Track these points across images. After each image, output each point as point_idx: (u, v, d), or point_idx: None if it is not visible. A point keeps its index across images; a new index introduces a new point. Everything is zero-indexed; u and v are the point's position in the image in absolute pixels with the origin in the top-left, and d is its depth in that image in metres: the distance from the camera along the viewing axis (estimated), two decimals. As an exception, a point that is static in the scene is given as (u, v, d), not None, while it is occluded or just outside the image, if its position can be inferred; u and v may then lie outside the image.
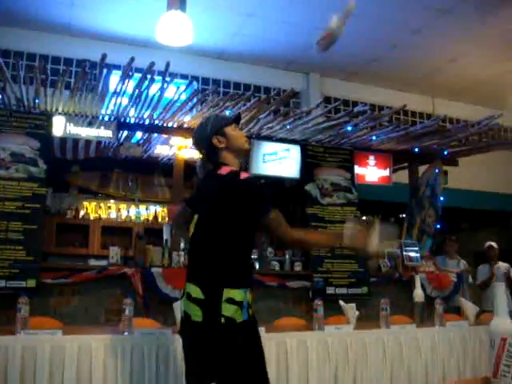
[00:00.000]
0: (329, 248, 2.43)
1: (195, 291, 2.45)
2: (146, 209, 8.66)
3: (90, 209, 8.41)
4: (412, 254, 6.53)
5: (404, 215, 7.47)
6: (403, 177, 7.53)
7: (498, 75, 8.80)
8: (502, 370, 1.75)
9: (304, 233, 2.79)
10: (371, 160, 6.97)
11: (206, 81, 8.23)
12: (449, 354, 4.21)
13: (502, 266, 7.40)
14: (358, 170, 6.81)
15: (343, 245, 2.62)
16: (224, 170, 2.61)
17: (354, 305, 4.23)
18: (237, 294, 2.45)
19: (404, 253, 6.48)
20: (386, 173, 7.08)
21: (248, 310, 2.52)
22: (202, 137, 2.75)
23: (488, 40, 7.75)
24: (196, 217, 2.65)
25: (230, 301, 2.43)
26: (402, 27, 7.42)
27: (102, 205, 8.47)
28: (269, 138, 6.54)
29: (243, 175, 2.58)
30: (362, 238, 2.57)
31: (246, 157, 2.73)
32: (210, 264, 2.50)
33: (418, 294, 4.70)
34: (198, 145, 2.82)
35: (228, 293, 2.43)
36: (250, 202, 2.52)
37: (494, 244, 7.54)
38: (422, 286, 5.65)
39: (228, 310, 2.41)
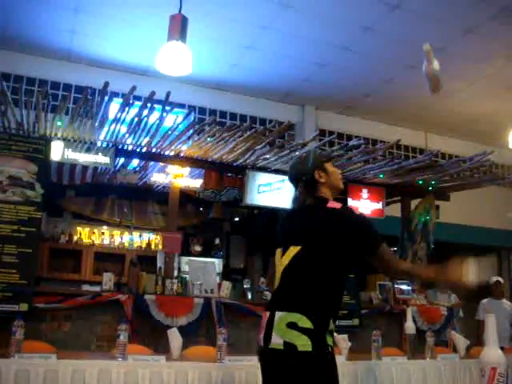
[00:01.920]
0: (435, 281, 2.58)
1: (302, 321, 2.43)
2: (140, 236, 8.70)
3: (84, 234, 8.44)
4: (403, 287, 6.57)
5: (396, 248, 7.52)
6: (395, 210, 7.60)
7: (489, 113, 8.95)
8: (492, 399, 1.79)
9: (411, 266, 2.99)
10: (364, 193, 7.05)
11: (202, 111, 8.32)
12: (439, 385, 4.24)
13: (507, 303, 7.45)
14: (351, 202, 6.88)
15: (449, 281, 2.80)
16: (335, 205, 2.67)
17: (346, 336, 4.27)
18: (332, 326, 2.53)
19: (395, 285, 6.53)
20: (379, 206, 7.16)
21: None
22: (304, 170, 2.80)
23: (480, 78, 7.91)
24: (293, 248, 2.62)
25: (330, 332, 2.50)
26: (397, 63, 7.56)
27: (95, 230, 8.51)
28: (264, 169, 6.62)
29: (357, 211, 2.68)
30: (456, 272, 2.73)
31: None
32: (317, 295, 2.51)
33: (410, 327, 4.72)
34: (296, 177, 2.84)
35: (331, 324, 2.50)
36: (364, 236, 2.61)
37: (500, 279, 7.57)
38: (413, 319, 5.68)
39: (330, 340, 2.48)
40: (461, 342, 4.85)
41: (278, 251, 2.73)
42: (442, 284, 2.78)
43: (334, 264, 2.55)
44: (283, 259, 2.64)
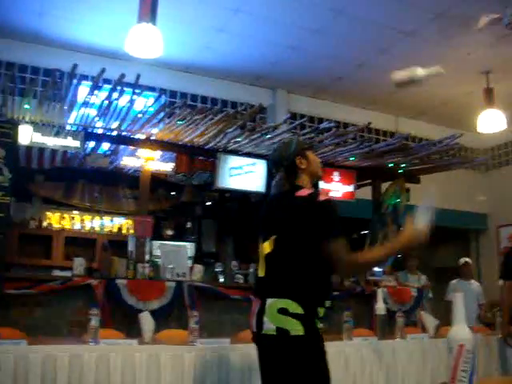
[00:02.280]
0: (389, 257, 2.57)
1: (293, 307, 2.50)
2: (111, 220, 8.62)
3: (54, 219, 8.34)
4: (374, 269, 6.65)
5: (367, 231, 7.59)
6: (366, 193, 7.66)
7: (458, 97, 9.03)
8: (458, 375, 1.83)
9: (362, 258, 2.72)
10: (336, 176, 7.10)
11: (173, 94, 8.25)
12: (409, 364, 4.31)
13: (475, 284, 7.61)
14: (322, 185, 6.92)
15: (401, 247, 2.76)
16: (303, 192, 2.71)
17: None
18: (322, 312, 2.59)
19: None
20: (350, 189, 7.22)
21: None
22: (286, 155, 2.85)
23: (450, 63, 7.94)
24: (272, 237, 2.69)
25: (320, 318, 2.56)
26: (369, 47, 7.58)
27: (65, 215, 8.41)
28: (235, 152, 6.61)
29: (322, 197, 2.65)
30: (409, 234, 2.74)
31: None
32: (305, 281, 2.58)
33: (380, 308, 4.78)
34: (278, 163, 2.88)
35: (321, 311, 2.57)
36: (320, 222, 2.60)
37: (468, 260, 7.72)
38: (384, 300, 5.76)
39: (318, 323, 2.55)
40: (430, 321, 4.93)
41: (260, 238, 2.80)
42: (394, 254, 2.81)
43: (310, 250, 2.60)
44: (264, 247, 2.73)
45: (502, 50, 7.52)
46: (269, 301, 2.57)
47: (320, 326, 2.56)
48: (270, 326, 2.54)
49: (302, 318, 2.49)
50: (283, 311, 2.51)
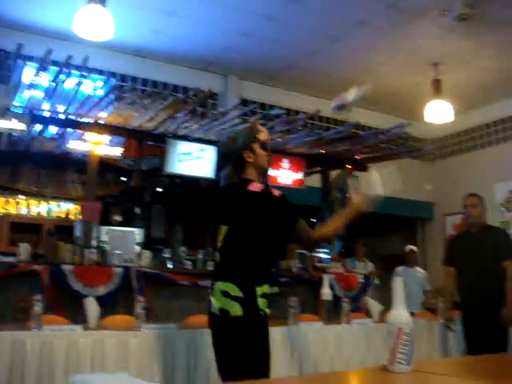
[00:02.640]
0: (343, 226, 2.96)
1: (233, 289, 2.73)
2: (58, 205, 8.47)
3: (-1, 204, 8.14)
4: (322, 256, 6.73)
5: (315, 219, 7.66)
6: (316, 181, 7.73)
7: (408, 87, 9.17)
8: (397, 357, 1.87)
9: (321, 231, 3.06)
10: (285, 163, 7.13)
11: (123, 78, 8.12)
12: (353, 348, 4.41)
13: (420, 271, 7.80)
14: (271, 172, 6.94)
15: (352, 215, 3.05)
16: (255, 188, 2.87)
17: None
18: (266, 289, 2.82)
19: (314, 254, 6.67)
20: (299, 176, 7.26)
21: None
22: (233, 149, 2.98)
23: (400, 53, 8.08)
24: (223, 227, 2.90)
25: (263, 296, 2.79)
26: (321, 35, 7.61)
27: (11, 200, 8.21)
28: (185, 138, 6.57)
29: (276, 193, 2.88)
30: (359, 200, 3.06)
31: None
32: (244, 267, 2.81)
33: (326, 293, 4.86)
34: (226, 156, 3.04)
35: (261, 290, 2.79)
36: (283, 215, 2.86)
37: (414, 248, 7.89)
38: (331, 286, 5.85)
39: (262, 304, 2.79)
40: (375, 307, 5.03)
41: (217, 228, 2.97)
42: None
43: (255, 241, 2.84)
44: (219, 236, 2.92)
45: (450, 42, 7.67)
46: (216, 283, 2.81)
47: (263, 305, 2.79)
48: (215, 306, 2.77)
49: (242, 301, 2.71)
50: (225, 293, 2.75)
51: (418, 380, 1.86)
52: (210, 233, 7.69)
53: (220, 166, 3.13)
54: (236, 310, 2.71)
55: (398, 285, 2.02)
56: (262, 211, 2.83)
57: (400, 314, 1.94)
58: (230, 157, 2.98)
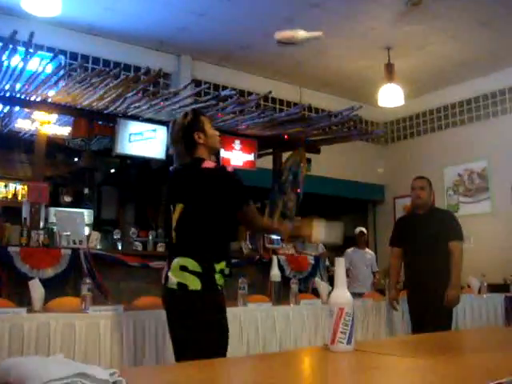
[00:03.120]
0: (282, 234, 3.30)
1: (192, 265, 2.80)
2: (5, 186, 8.28)
3: None
4: (273, 237, 6.74)
5: (267, 200, 7.68)
6: (267, 163, 7.73)
7: (361, 70, 9.24)
8: (338, 337, 1.89)
9: (270, 222, 3.42)
10: (237, 144, 7.11)
11: (74, 56, 7.94)
12: (301, 329, 4.44)
13: (369, 252, 7.94)
14: (223, 153, 6.92)
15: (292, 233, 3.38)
16: (209, 164, 2.93)
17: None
18: (224, 266, 2.89)
19: (265, 235, 6.69)
20: (250, 157, 7.26)
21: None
22: (183, 131, 3.00)
23: (354, 36, 8.12)
24: (178, 206, 2.94)
25: (221, 272, 2.86)
26: (275, 16, 7.57)
27: (-44, 180, 8.01)
28: (135, 118, 6.47)
29: (229, 169, 2.98)
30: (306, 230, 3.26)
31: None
32: (203, 243, 2.89)
33: (275, 275, 4.88)
34: (176, 137, 3.04)
35: (219, 266, 2.86)
36: (233, 193, 2.94)
37: (364, 230, 8.00)
38: (281, 268, 5.89)
39: (220, 280, 2.86)
40: (324, 288, 5.07)
41: (171, 208, 3.00)
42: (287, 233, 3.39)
43: (213, 217, 2.91)
44: (174, 215, 2.95)
45: (403, 27, 7.75)
46: (174, 260, 2.86)
47: (221, 281, 2.87)
48: (172, 281, 2.83)
49: (200, 275, 2.79)
50: (184, 268, 2.81)
51: (357, 359, 1.88)
52: (161, 214, 7.64)
53: (168, 147, 3.20)
54: (195, 284, 2.78)
55: (339, 265, 2.04)
56: (216, 186, 2.90)
57: (341, 294, 1.96)
58: (182, 138, 3.00)
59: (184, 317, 2.82)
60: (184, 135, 3.00)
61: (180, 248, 2.91)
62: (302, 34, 3.61)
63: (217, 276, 2.84)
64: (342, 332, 1.89)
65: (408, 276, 5.04)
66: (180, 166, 3.05)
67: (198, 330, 2.77)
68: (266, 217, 3.19)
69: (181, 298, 2.83)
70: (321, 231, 3.21)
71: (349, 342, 1.89)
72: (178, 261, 2.84)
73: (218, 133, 3.14)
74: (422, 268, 4.73)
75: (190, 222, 2.92)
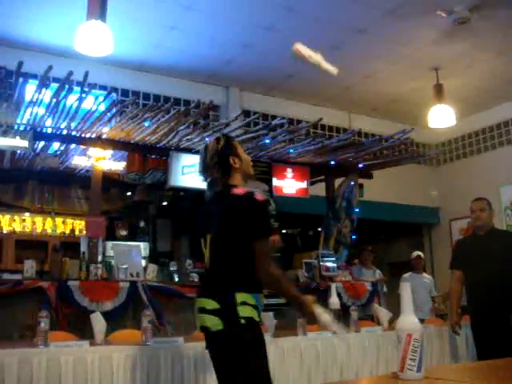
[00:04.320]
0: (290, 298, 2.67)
1: (209, 303, 2.61)
2: (63, 222, 8.48)
3: (4, 222, 8.14)
4: (329, 264, 6.69)
5: (321, 228, 7.64)
6: (320, 189, 7.71)
7: (409, 93, 9.17)
8: (407, 364, 1.84)
9: (282, 274, 2.78)
10: (289, 172, 7.12)
11: (125, 92, 8.15)
12: (363, 356, 4.36)
13: (427, 277, 7.76)
14: (275, 182, 6.93)
15: (299, 306, 2.82)
16: (239, 191, 2.73)
17: (271, 313, 4.31)
18: (249, 298, 2.59)
19: (321, 263, 6.64)
20: (303, 185, 7.25)
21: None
22: (218, 156, 2.81)
23: (400, 59, 8.08)
24: (208, 236, 2.77)
25: (244, 303, 2.57)
26: (320, 44, 7.44)
27: (16, 218, 8.23)
28: (188, 150, 6.56)
29: (258, 197, 2.69)
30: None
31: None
32: (222, 276, 2.68)
33: (334, 302, 4.82)
34: (210, 163, 2.83)
35: (241, 297, 2.57)
36: (251, 223, 2.64)
37: (421, 254, 7.84)
38: (339, 295, 5.81)
39: (244, 312, 2.56)
40: (384, 314, 4.99)
41: (202, 242, 2.83)
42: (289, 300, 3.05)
43: (243, 244, 2.64)
44: (206, 249, 2.79)
45: (450, 47, 7.67)
46: (197, 301, 2.73)
47: (247, 313, 2.57)
48: (198, 326, 2.71)
49: (219, 313, 2.57)
50: (202, 310, 2.65)
51: (429, 387, 1.83)
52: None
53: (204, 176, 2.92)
54: (215, 323, 2.59)
55: (405, 290, 2.00)
56: (238, 214, 2.69)
57: (408, 319, 1.91)
58: (216, 163, 2.81)
59: (217, 361, 2.68)
60: (220, 160, 2.82)
61: (202, 288, 2.81)
62: (319, 59, 3.54)
63: (240, 308, 2.56)
64: (411, 359, 1.84)
65: (470, 300, 4.90)
66: (212, 193, 2.89)
67: (232, 373, 2.58)
68: (278, 268, 2.68)
69: (207, 342, 2.71)
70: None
71: (419, 370, 1.84)
72: (196, 303, 2.73)
73: (249, 158, 3.02)
74: (485, 290, 4.60)
75: (218, 252, 2.74)
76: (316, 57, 3.50)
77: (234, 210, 2.71)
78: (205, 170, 2.88)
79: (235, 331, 2.56)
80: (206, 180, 2.91)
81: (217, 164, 2.81)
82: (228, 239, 2.69)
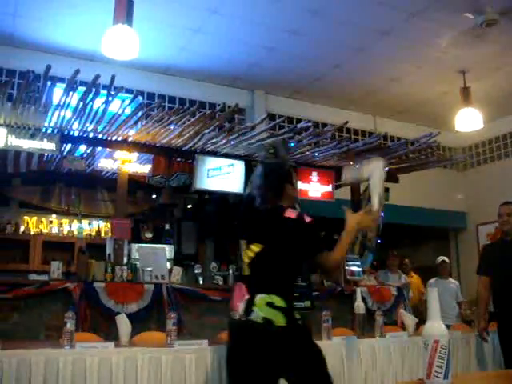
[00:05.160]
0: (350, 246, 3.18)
1: (278, 301, 2.94)
2: (89, 224, 8.57)
3: (31, 223, 8.26)
4: (354, 269, 6.65)
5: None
6: (345, 193, 7.66)
7: (435, 96, 9.09)
8: (434, 370, 1.82)
9: (335, 252, 3.10)
10: (314, 176, 7.10)
11: (151, 96, 8.20)
12: (388, 362, 4.33)
13: (453, 282, 7.66)
14: (301, 185, 6.91)
15: (352, 234, 3.23)
16: (291, 214, 3.09)
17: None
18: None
19: (346, 267, 6.59)
20: (328, 188, 7.22)
21: None
22: (278, 180, 3.21)
23: (427, 62, 8.01)
24: (256, 245, 3.10)
25: (295, 309, 3.06)
26: (345, 47, 7.60)
27: (43, 219, 8.35)
28: (213, 154, 6.58)
29: (308, 220, 3.06)
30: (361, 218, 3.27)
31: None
32: (285, 282, 3.09)
33: (359, 307, 4.79)
34: (270, 185, 3.20)
35: (294, 303, 3.11)
36: (309, 243, 3.07)
37: (446, 259, 7.76)
38: (364, 300, 5.76)
39: (297, 315, 3.03)
40: (409, 320, 4.95)
41: (243, 243, 3.19)
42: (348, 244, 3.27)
43: (292, 259, 3.08)
44: (248, 252, 3.12)
45: (477, 49, 7.58)
46: (258, 296, 2.96)
47: (298, 316, 3.01)
48: (258, 315, 2.92)
49: (285, 311, 2.93)
50: (270, 304, 2.94)
51: (456, 394, 1.80)
52: (240, 248, 7.66)
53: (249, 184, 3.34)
54: (280, 319, 2.90)
55: (432, 296, 1.98)
56: (295, 235, 3.04)
57: (436, 325, 1.89)
58: (272, 188, 3.17)
59: (271, 351, 2.89)
60: (279, 185, 3.19)
61: (262, 285, 3.03)
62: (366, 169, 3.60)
63: (295, 312, 3.02)
64: (437, 366, 1.82)
65: (498, 306, 4.83)
66: (263, 208, 3.19)
67: (296, 362, 2.93)
68: (331, 252, 3.11)
69: (267, 333, 2.92)
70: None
71: (446, 377, 1.82)
72: (263, 297, 2.95)
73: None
74: (513, 297, 4.54)
75: (271, 261, 3.07)
76: (366, 171, 3.54)
77: (289, 231, 3.06)
78: (260, 187, 3.22)
79: (295, 329, 2.98)
80: (255, 193, 3.25)
81: (274, 188, 3.19)
82: (282, 252, 3.05)
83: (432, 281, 7.57)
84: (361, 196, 7.44)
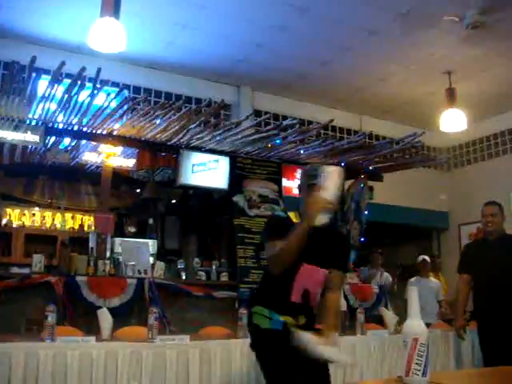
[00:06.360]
0: (303, 234, 2.80)
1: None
2: (72, 217, 8.51)
3: (14, 216, 8.19)
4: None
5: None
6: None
7: (421, 96, 9.14)
8: (413, 368, 1.84)
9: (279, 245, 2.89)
10: (299, 173, 7.09)
11: (137, 90, 8.16)
12: (367, 359, 4.35)
13: (433, 281, 7.70)
14: (285, 182, 6.92)
15: (308, 219, 2.84)
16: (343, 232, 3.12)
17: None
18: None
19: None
20: (313, 186, 7.22)
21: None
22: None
23: (413, 62, 8.05)
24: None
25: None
26: (333, 45, 7.61)
27: (26, 212, 8.27)
28: (198, 149, 6.57)
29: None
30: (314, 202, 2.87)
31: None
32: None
33: (341, 304, 4.81)
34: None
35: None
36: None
37: (427, 258, 7.80)
38: (346, 297, 5.80)
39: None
40: (390, 318, 4.97)
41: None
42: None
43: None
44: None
45: (463, 51, 7.63)
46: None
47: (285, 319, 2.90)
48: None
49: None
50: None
51: (433, 392, 1.82)
52: (223, 244, 7.68)
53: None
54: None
55: (412, 295, 2.00)
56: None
57: (415, 324, 1.91)
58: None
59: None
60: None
61: None
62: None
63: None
64: (416, 363, 1.84)
65: (478, 305, 4.87)
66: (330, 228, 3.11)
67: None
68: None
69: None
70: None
71: (424, 374, 1.84)
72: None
73: None
74: (493, 296, 4.58)
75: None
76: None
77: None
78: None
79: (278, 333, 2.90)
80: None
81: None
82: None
83: (413, 279, 7.61)
84: (344, 194, 7.46)
